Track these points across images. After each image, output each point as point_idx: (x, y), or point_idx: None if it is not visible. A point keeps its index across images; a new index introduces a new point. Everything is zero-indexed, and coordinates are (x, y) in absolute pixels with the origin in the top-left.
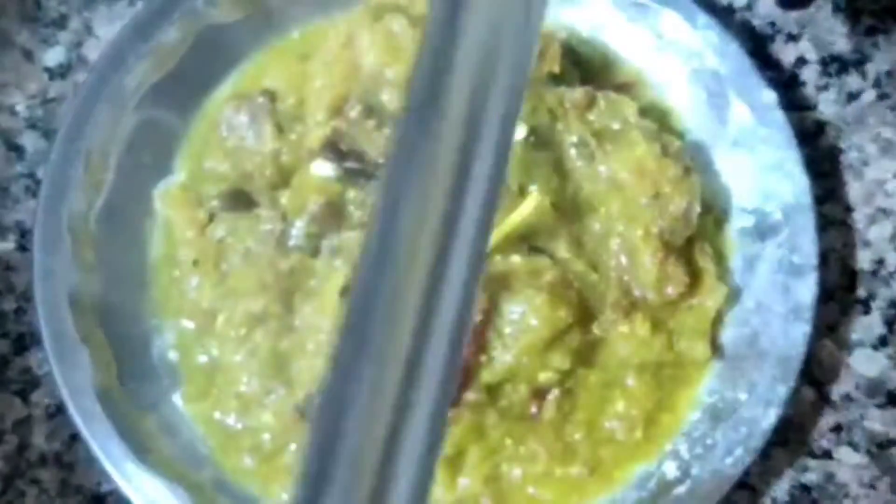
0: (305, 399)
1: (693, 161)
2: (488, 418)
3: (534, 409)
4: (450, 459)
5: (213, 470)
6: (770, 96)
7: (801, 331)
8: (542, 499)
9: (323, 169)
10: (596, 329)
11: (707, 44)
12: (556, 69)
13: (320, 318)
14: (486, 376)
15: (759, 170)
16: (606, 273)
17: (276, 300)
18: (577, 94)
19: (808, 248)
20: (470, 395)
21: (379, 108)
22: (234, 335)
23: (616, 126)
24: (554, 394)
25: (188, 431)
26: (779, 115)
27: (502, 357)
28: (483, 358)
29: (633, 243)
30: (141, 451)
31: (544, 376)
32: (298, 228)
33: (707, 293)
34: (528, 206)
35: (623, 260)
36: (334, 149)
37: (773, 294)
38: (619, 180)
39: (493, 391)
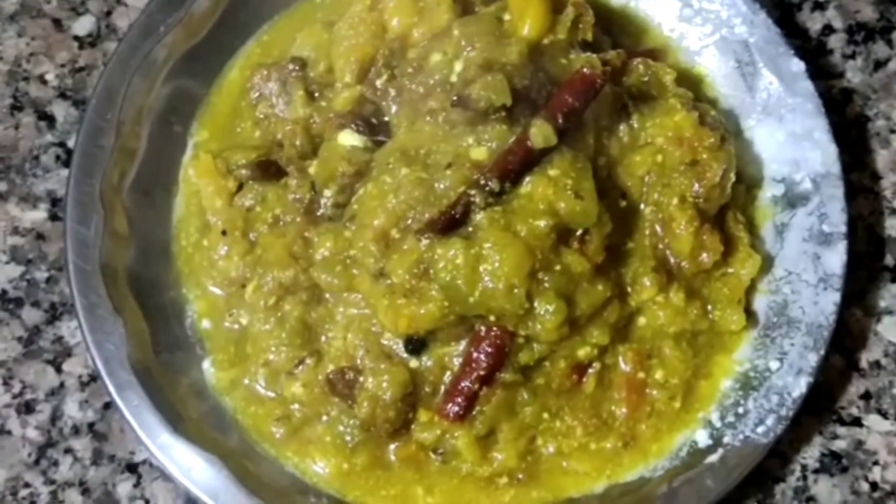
0: (334, 372)
1: (726, 129)
2: (521, 396)
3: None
4: (483, 436)
5: (241, 436)
6: (798, 66)
7: (831, 299)
8: (576, 472)
9: (351, 139)
10: (632, 301)
11: (736, 13)
12: (590, 37)
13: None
14: (524, 357)
15: (789, 138)
16: (642, 242)
17: (306, 270)
18: (611, 55)
19: (837, 216)
20: (504, 376)
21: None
22: (262, 304)
23: (653, 92)
24: (595, 368)
25: (217, 398)
26: (807, 85)
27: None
28: (520, 340)
29: (668, 211)
30: (174, 420)
31: (583, 352)
32: (327, 198)
33: (740, 262)
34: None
35: (658, 228)
36: (362, 119)
37: (803, 262)
38: (655, 146)
39: (529, 370)
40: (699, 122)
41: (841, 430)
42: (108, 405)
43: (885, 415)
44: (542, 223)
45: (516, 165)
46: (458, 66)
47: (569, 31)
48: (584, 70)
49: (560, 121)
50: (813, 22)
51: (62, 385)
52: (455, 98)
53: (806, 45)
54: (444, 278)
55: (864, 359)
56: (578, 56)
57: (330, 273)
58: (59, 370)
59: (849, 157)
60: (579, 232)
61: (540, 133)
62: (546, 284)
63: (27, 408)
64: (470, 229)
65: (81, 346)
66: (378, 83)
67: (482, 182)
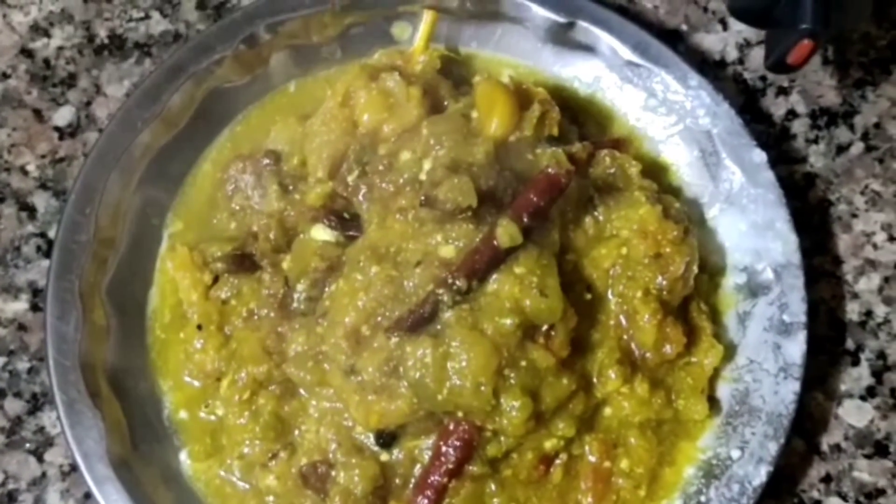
0: (307, 466)
1: (690, 221)
2: (489, 488)
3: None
4: None
5: None
6: (760, 156)
7: (791, 388)
8: None
9: (323, 234)
10: (598, 392)
11: (700, 104)
12: (556, 132)
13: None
14: (492, 450)
15: (751, 228)
16: (607, 333)
17: (279, 365)
18: (577, 148)
19: (797, 306)
20: (472, 468)
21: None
22: (237, 399)
23: (618, 184)
24: (562, 459)
25: (193, 489)
26: (769, 175)
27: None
28: (487, 434)
29: (632, 304)
30: None
31: (550, 443)
32: (299, 292)
33: (704, 352)
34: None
35: (623, 320)
36: (334, 214)
37: (764, 352)
38: (620, 238)
39: (497, 462)
40: (663, 215)
41: None
42: (89, 495)
43: (845, 498)
44: (508, 321)
45: (483, 264)
46: (426, 165)
47: (535, 127)
48: (550, 170)
49: (525, 220)
50: (777, 107)
51: (44, 475)
52: (423, 198)
53: (770, 130)
54: (413, 376)
55: (825, 442)
56: (545, 151)
57: (302, 368)
58: (40, 460)
59: (810, 242)
60: (545, 327)
61: (506, 233)
62: (512, 381)
63: (10, 498)
64: (438, 327)
65: (62, 436)
66: (349, 179)
67: (450, 281)
